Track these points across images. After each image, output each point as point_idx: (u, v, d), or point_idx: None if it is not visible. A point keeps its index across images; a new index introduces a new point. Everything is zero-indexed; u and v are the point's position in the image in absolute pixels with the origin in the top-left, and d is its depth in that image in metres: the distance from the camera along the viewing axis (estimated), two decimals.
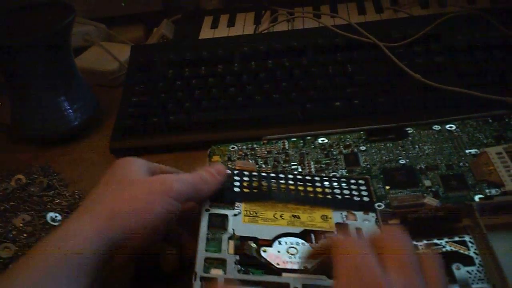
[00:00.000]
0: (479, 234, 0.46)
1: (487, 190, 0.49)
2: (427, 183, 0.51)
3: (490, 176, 0.51)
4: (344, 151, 0.57)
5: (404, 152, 0.56)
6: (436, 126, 0.58)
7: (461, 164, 0.53)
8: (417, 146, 0.56)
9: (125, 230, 0.43)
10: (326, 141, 0.59)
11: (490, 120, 0.58)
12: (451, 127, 0.58)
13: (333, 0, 0.88)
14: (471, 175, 0.51)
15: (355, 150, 0.57)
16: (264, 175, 0.51)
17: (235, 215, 0.47)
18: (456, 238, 0.46)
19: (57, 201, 0.63)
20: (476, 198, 0.49)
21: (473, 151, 0.54)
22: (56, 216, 0.60)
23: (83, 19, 0.90)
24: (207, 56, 0.75)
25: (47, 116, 0.70)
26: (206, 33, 0.87)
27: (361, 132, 0.59)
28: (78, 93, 0.71)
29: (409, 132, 0.58)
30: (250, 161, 0.58)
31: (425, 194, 0.50)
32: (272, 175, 0.51)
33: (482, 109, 0.60)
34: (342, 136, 0.59)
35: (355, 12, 0.85)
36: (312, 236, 0.46)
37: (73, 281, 0.40)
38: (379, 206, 0.49)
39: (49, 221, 0.60)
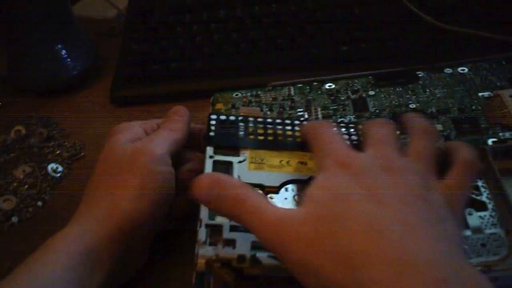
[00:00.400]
0: (493, 179, 0.44)
1: (500, 134, 0.48)
2: (439, 127, 0.49)
3: (504, 119, 0.49)
4: (352, 96, 0.55)
5: (414, 97, 0.54)
6: (447, 69, 0.56)
7: (473, 107, 0.51)
8: (428, 90, 0.54)
9: (131, 218, 0.42)
10: (333, 86, 0.57)
11: (504, 63, 0.55)
12: (463, 70, 0.55)
13: None
14: (484, 118, 0.50)
15: (364, 95, 0.55)
16: (269, 121, 0.49)
17: (240, 162, 0.45)
18: None
19: (58, 152, 0.61)
20: (490, 141, 0.47)
21: (486, 94, 0.52)
22: (57, 167, 0.59)
23: None
24: (208, 0, 0.72)
25: (45, 66, 0.67)
26: None
27: (370, 77, 0.57)
28: (76, 42, 0.69)
29: (420, 76, 0.56)
30: (255, 107, 0.56)
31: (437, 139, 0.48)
32: (278, 120, 0.50)
33: (495, 51, 0.57)
34: (349, 81, 0.57)
35: None
36: None
37: (91, 275, 0.40)
38: None
39: (50, 172, 0.58)
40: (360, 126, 0.43)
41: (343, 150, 0.36)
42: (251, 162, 0.45)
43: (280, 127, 0.49)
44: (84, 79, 0.71)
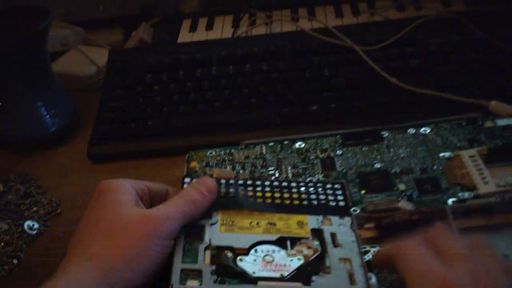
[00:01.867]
0: None
1: (460, 194, 0.50)
2: (402, 187, 0.52)
3: (463, 180, 0.51)
4: (320, 156, 0.58)
5: (379, 156, 0.56)
6: (411, 129, 0.59)
7: (435, 167, 0.54)
8: (392, 150, 0.57)
9: (123, 281, 0.42)
10: (303, 145, 0.60)
11: (464, 123, 0.59)
12: (425, 130, 0.59)
13: (311, 3, 0.89)
14: (445, 179, 0.52)
15: (332, 154, 0.58)
16: (240, 183, 0.51)
17: (211, 224, 0.47)
18: None
19: (35, 208, 0.62)
20: (450, 201, 0.50)
21: (447, 154, 0.55)
22: (33, 225, 0.60)
23: (60, 22, 0.89)
24: (185, 60, 0.75)
25: (24, 122, 0.69)
26: (184, 36, 0.87)
27: (338, 136, 0.60)
28: (55, 99, 0.71)
29: (385, 135, 0.59)
30: (228, 167, 0.58)
31: (400, 198, 0.51)
32: (249, 182, 0.52)
33: (456, 112, 0.61)
34: (319, 141, 0.60)
35: (332, 15, 0.85)
36: (288, 243, 0.46)
37: None
38: (354, 210, 0.50)
39: (26, 230, 0.59)
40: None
41: (439, 271, 0.37)
42: (222, 225, 0.47)
43: (251, 188, 0.51)
44: (63, 135, 0.72)
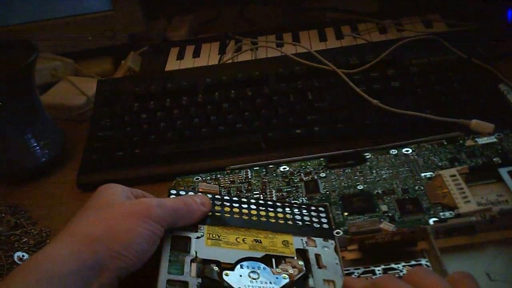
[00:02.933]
0: (434, 257, 0.47)
1: (441, 213, 0.51)
2: (384, 208, 0.53)
3: (444, 199, 0.52)
4: (304, 179, 0.59)
5: (362, 178, 0.57)
6: (393, 150, 0.60)
7: (416, 187, 0.54)
8: (374, 171, 0.58)
9: (109, 252, 0.42)
10: (287, 169, 0.61)
11: (445, 143, 0.60)
12: (407, 150, 0.59)
13: (295, 28, 0.90)
14: (426, 199, 0.53)
15: (315, 177, 0.59)
16: (227, 198, 0.52)
17: (198, 237, 0.48)
18: (413, 262, 0.48)
19: (25, 239, 0.63)
20: (431, 221, 0.50)
21: (428, 174, 0.56)
22: (23, 256, 0.60)
23: (50, 54, 0.90)
24: (172, 88, 0.76)
25: (14, 154, 0.70)
26: (172, 64, 0.88)
27: (321, 159, 0.61)
28: (44, 130, 0.72)
29: (367, 157, 0.60)
30: (214, 184, 0.59)
31: (382, 219, 0.51)
32: (235, 198, 0.53)
33: (438, 132, 0.62)
34: (303, 164, 0.61)
35: (316, 39, 0.87)
36: (273, 261, 0.47)
37: None
38: (337, 233, 0.51)
39: (16, 261, 0.60)
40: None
41: None
42: (208, 238, 0.48)
43: (236, 205, 0.52)
44: (52, 165, 0.73)
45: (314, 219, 0.52)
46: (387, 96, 0.68)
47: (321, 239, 0.50)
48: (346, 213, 0.53)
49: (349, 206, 0.54)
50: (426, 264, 0.47)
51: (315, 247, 0.49)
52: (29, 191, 0.71)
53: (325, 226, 0.51)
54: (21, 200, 0.69)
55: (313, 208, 0.53)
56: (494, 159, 0.56)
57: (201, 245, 0.47)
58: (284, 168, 0.61)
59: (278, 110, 0.70)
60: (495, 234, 0.49)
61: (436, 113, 0.64)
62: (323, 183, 0.57)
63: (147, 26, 0.96)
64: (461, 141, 0.59)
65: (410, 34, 0.81)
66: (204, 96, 0.74)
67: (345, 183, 0.57)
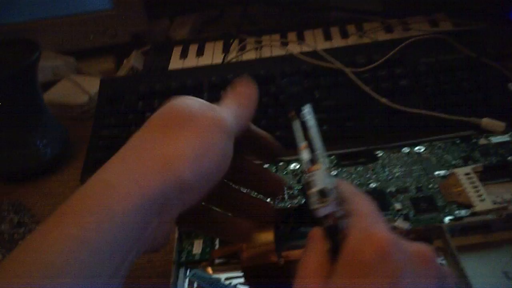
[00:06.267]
0: (450, 256, 0.47)
1: (456, 211, 0.50)
2: (398, 206, 0.52)
3: (459, 197, 0.51)
4: None
5: (374, 176, 0.56)
6: (405, 148, 0.59)
7: (430, 186, 0.54)
8: (387, 169, 0.57)
9: (181, 183, 0.33)
10: (298, 166, 0.60)
11: (458, 141, 0.59)
12: (419, 149, 0.59)
13: (300, 27, 0.89)
14: (441, 197, 0.52)
15: None
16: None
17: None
18: None
19: None
20: (446, 219, 0.50)
21: (442, 172, 0.55)
22: None
23: (52, 53, 0.89)
24: (176, 86, 0.75)
25: (17, 153, 0.69)
26: (175, 63, 0.87)
27: (333, 157, 0.60)
28: (47, 128, 0.71)
29: (379, 155, 0.59)
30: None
31: (396, 218, 0.50)
32: None
33: (449, 130, 0.61)
34: None
35: (321, 38, 0.86)
36: None
37: (110, 255, 0.31)
38: None
39: None
40: None
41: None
42: None
43: None
44: (56, 164, 0.72)
45: None
46: (396, 94, 0.67)
47: None
48: None
49: None
50: (441, 263, 0.47)
51: None
52: (32, 189, 0.70)
53: None
54: (24, 198, 0.68)
55: None
56: (508, 158, 0.55)
57: None
58: (294, 166, 0.60)
59: (285, 109, 0.68)
60: (511, 233, 0.49)
61: (445, 112, 0.63)
62: None
63: (149, 25, 0.95)
64: (474, 140, 0.59)
65: (416, 33, 0.80)
66: (209, 95, 0.73)
67: (357, 181, 0.56)
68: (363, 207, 0.34)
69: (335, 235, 0.33)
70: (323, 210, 0.32)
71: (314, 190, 0.32)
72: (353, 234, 0.32)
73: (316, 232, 0.35)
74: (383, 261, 0.30)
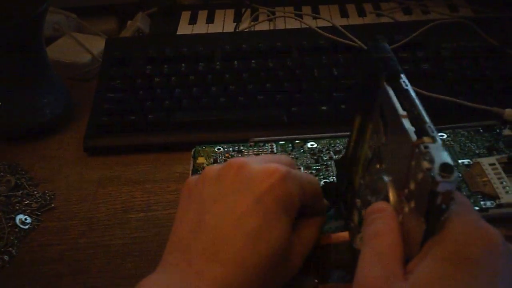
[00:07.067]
0: None
1: (482, 202, 0.49)
2: None
3: (485, 188, 0.50)
4: (334, 157, 0.56)
5: None
6: None
7: None
8: None
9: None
10: (315, 145, 0.57)
11: (481, 130, 0.57)
12: (442, 135, 0.57)
13: (314, 1, 0.86)
14: (465, 186, 0.51)
15: None
16: None
17: None
18: None
19: (26, 202, 0.58)
20: None
21: (466, 161, 0.53)
22: (25, 219, 0.56)
23: (53, 7, 0.84)
24: (188, 52, 0.72)
25: (16, 109, 0.65)
26: (184, 29, 0.84)
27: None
28: (49, 87, 0.67)
29: None
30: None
31: None
32: None
33: (471, 119, 0.59)
34: (332, 141, 0.58)
35: (337, 15, 0.83)
36: None
37: None
38: None
39: (18, 224, 0.56)
40: None
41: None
42: None
43: None
44: (56, 125, 0.68)
45: None
46: (417, 78, 0.65)
47: None
48: None
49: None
50: None
51: None
52: (30, 151, 0.66)
53: None
54: (21, 160, 0.64)
55: None
56: None
57: None
58: (312, 145, 0.57)
59: (302, 85, 0.66)
60: None
61: (468, 99, 0.62)
62: None
63: None
64: (497, 130, 0.57)
65: (437, 16, 0.78)
66: (222, 64, 0.70)
67: None
68: (464, 198, 0.32)
69: (439, 217, 0.30)
70: (445, 185, 0.29)
71: (438, 163, 0.29)
72: (458, 222, 0.30)
73: (386, 208, 0.34)
74: (491, 256, 0.29)
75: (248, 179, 0.37)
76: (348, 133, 0.58)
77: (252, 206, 0.36)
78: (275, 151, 0.57)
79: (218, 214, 0.37)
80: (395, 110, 0.34)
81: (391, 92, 0.36)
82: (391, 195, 0.35)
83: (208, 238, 0.36)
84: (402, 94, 0.36)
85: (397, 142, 0.35)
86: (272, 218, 0.36)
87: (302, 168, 0.55)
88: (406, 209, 0.32)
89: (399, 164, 0.34)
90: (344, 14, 0.84)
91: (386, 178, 0.36)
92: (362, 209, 0.40)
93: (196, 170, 0.55)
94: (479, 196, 0.49)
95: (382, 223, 0.33)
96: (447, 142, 0.56)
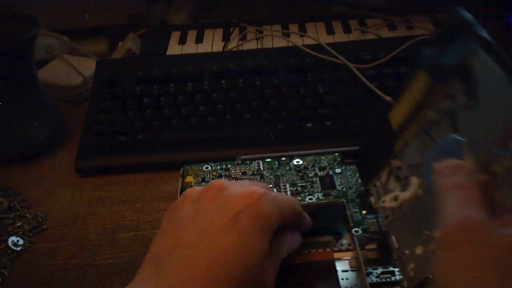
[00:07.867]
0: None
1: None
2: None
3: None
4: (319, 173, 0.57)
5: None
6: None
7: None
8: None
9: None
10: (301, 162, 0.59)
11: None
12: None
13: (301, 19, 0.88)
14: None
15: (331, 172, 0.57)
16: None
17: None
18: None
19: (19, 224, 0.59)
20: None
21: None
22: (18, 241, 0.57)
23: (45, 30, 0.86)
24: (176, 72, 0.73)
25: (7, 133, 0.66)
26: (173, 49, 0.85)
27: (336, 154, 0.59)
28: (41, 109, 0.68)
29: None
30: None
31: None
32: None
33: None
34: (317, 158, 0.59)
35: (323, 32, 0.85)
36: None
37: None
38: (356, 231, 0.49)
39: (11, 246, 0.57)
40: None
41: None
42: None
43: None
44: (48, 147, 0.69)
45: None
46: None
47: None
48: (364, 211, 0.51)
49: (368, 203, 0.52)
50: None
51: None
52: (23, 172, 0.67)
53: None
54: (13, 182, 0.66)
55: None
56: None
57: None
58: (297, 162, 0.59)
59: (288, 102, 0.67)
60: None
61: None
62: (339, 179, 0.56)
63: (146, 8, 0.92)
64: None
65: (420, 32, 0.80)
66: (210, 84, 0.71)
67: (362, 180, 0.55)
68: None
69: None
70: None
71: None
72: None
73: (466, 164, 0.34)
74: None
75: (226, 199, 0.39)
76: (334, 149, 0.60)
77: (228, 224, 0.38)
78: (262, 169, 0.58)
79: (194, 231, 0.38)
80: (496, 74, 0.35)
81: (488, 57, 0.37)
82: (468, 157, 0.36)
83: (183, 254, 0.38)
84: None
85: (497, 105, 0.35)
86: (248, 236, 0.37)
87: (288, 185, 0.56)
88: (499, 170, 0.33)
89: (493, 127, 0.34)
90: (330, 31, 0.85)
91: (462, 139, 0.37)
92: (403, 170, 0.41)
93: (185, 189, 0.56)
94: None
95: (464, 177, 0.33)
96: None
